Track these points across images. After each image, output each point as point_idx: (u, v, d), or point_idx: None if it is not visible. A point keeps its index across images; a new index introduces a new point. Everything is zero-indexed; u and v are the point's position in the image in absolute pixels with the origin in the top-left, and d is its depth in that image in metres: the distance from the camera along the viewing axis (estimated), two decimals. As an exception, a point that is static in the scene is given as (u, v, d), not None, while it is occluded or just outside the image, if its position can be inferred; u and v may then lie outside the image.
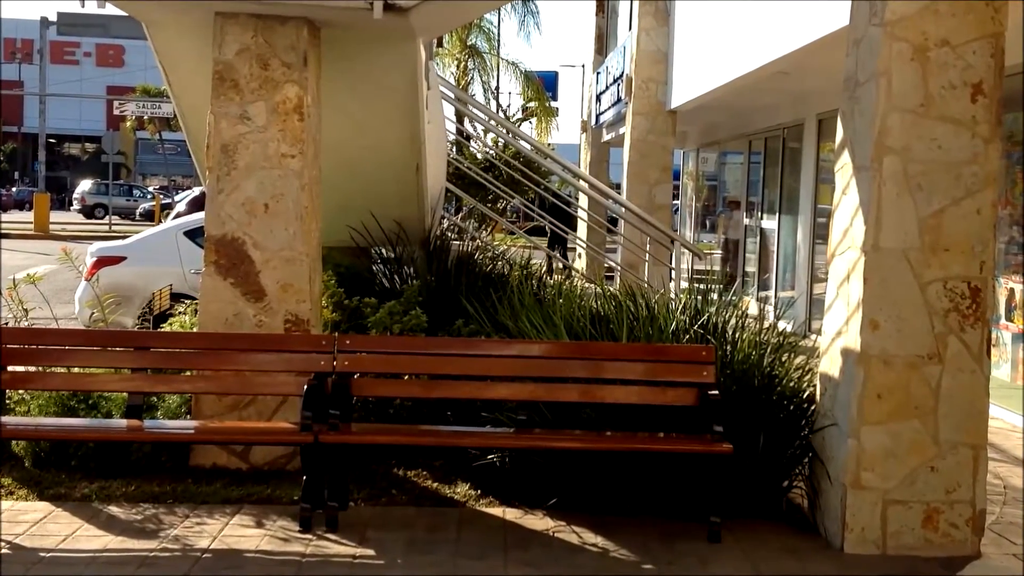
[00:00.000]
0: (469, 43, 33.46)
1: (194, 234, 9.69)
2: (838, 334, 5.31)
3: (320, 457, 5.28)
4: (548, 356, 5.76)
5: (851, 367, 5.13)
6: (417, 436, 5.88)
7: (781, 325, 6.41)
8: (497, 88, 36.71)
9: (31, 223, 32.81)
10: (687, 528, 5.32)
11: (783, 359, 5.95)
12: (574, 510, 5.54)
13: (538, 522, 5.45)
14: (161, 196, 42.82)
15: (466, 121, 19.39)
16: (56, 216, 38.09)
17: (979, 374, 5.09)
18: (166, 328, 7.55)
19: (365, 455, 6.12)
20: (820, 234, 12.55)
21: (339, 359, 5.62)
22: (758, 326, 6.20)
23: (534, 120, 34.93)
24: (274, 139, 6.11)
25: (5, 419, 5.60)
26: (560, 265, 13.19)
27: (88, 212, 44.52)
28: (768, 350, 5.94)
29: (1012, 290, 8.55)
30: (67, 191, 55.56)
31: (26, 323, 6.91)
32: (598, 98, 23.37)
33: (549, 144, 31.75)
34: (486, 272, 8.71)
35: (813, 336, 6.64)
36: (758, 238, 16.17)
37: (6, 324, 6.66)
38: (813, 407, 5.64)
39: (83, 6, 6.24)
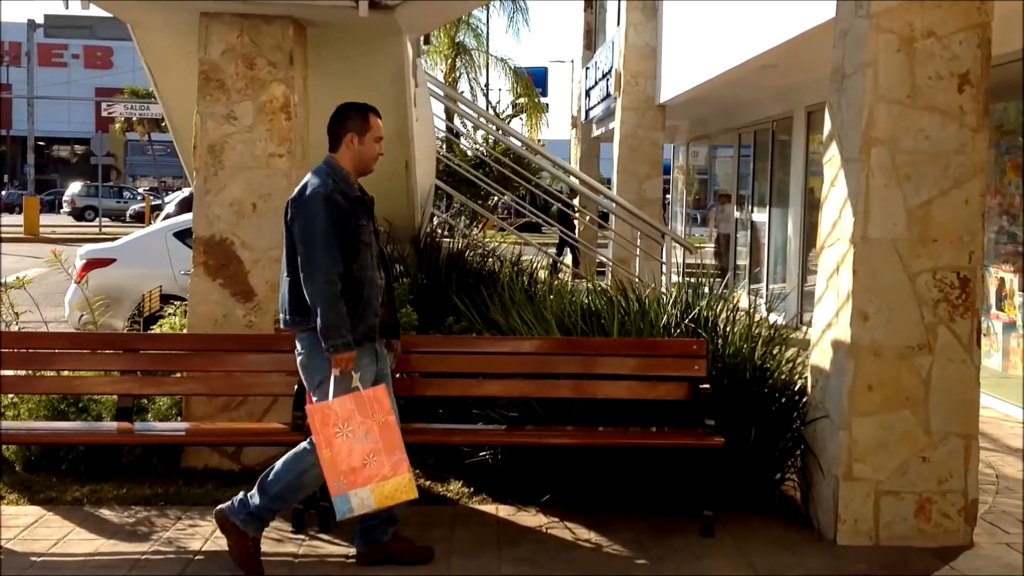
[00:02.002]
0: (457, 40, 33.38)
1: (184, 235, 9.65)
2: (828, 326, 5.32)
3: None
4: (539, 352, 5.75)
5: (842, 359, 5.13)
6: (408, 434, 5.78)
7: (772, 318, 6.41)
8: (487, 85, 36.63)
9: (21, 226, 32.70)
10: (680, 522, 5.32)
11: (774, 352, 5.95)
12: (567, 506, 5.54)
13: (531, 519, 5.44)
14: (151, 197, 42.73)
15: (456, 118, 19.37)
16: (46, 219, 37.99)
17: (969, 364, 5.10)
18: (156, 330, 7.53)
19: (357, 454, 6.10)
20: (811, 227, 12.56)
21: (329, 358, 5.59)
22: (749, 319, 6.20)
23: (524, 116, 34.88)
24: (261, 139, 6.10)
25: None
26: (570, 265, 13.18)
27: (78, 214, 44.40)
28: (759, 343, 5.94)
29: (1003, 280, 8.57)
30: (57, 192, 55.30)
31: (16, 327, 6.87)
32: (587, 93, 23.38)
33: (539, 140, 31.75)
34: (477, 269, 8.70)
35: (805, 328, 6.65)
36: (749, 231, 16.19)
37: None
38: (805, 399, 5.64)
39: (67, 7, 6.21)
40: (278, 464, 4.70)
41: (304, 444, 4.66)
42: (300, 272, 4.50)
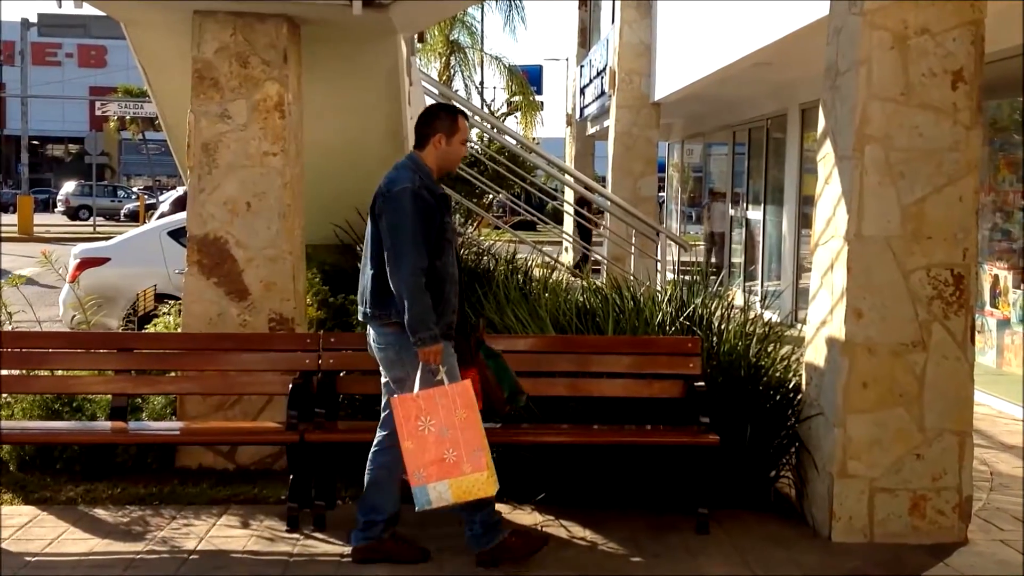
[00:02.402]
0: (452, 38, 33.36)
1: (178, 234, 9.64)
2: (823, 323, 5.32)
3: (306, 456, 5.26)
4: (534, 350, 5.75)
5: (836, 356, 5.13)
6: (404, 433, 5.85)
7: (767, 315, 6.41)
8: (481, 83, 36.63)
9: (15, 226, 32.63)
10: (675, 520, 5.32)
11: (769, 349, 5.95)
12: (563, 504, 5.53)
13: (527, 517, 5.44)
14: (145, 196, 42.64)
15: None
16: (40, 218, 37.90)
17: (963, 361, 5.10)
18: (150, 329, 7.52)
19: (352, 453, 6.09)
20: (805, 224, 12.57)
21: (324, 357, 5.60)
22: (744, 317, 6.21)
23: (519, 114, 34.86)
24: (255, 137, 6.09)
25: (-11, 423, 5.58)
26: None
27: (72, 214, 44.30)
28: (754, 341, 5.94)
29: (997, 276, 8.58)
30: (51, 192, 55.13)
31: (10, 326, 6.86)
32: (582, 91, 23.39)
33: (534, 138, 31.72)
34: (472, 267, 8.69)
35: (799, 326, 6.67)
36: (744, 229, 16.19)
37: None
38: (799, 397, 5.64)
39: (60, 6, 6.20)
40: None
41: None
42: (387, 265, 4.56)
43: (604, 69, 18.79)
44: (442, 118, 4.80)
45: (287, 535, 5.11)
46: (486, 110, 27.96)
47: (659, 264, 11.82)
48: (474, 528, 4.73)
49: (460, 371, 4.76)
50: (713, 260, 17.43)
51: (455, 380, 4.59)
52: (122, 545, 4.96)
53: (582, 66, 23.73)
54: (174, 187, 36.92)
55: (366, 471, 4.84)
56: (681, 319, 6.11)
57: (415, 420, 4.46)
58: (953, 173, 5.05)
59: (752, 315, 6.25)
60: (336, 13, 6.03)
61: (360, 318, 4.83)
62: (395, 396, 4.61)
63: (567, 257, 17.91)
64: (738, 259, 16.61)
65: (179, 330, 6.58)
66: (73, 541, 5.02)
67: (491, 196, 17.91)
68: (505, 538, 4.74)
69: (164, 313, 7.62)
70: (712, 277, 7.46)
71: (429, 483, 4.44)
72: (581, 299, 6.55)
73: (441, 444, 4.44)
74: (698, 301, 6.25)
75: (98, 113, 51.64)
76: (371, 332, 4.78)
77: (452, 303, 4.69)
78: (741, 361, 5.78)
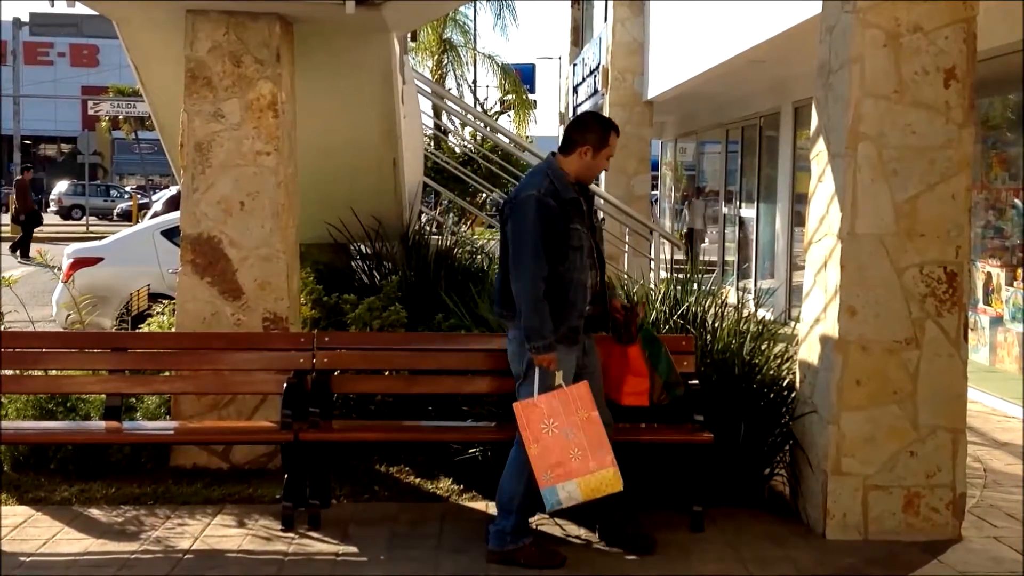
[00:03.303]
0: (444, 37, 33.32)
1: (171, 233, 9.63)
2: (816, 321, 5.33)
3: (301, 455, 5.26)
4: (528, 349, 5.74)
5: (829, 354, 5.15)
6: (398, 432, 5.86)
7: (761, 313, 6.42)
8: (474, 81, 36.56)
9: (7, 225, 32.48)
10: (669, 518, 5.33)
11: (763, 347, 5.96)
12: (557, 502, 5.53)
13: (521, 515, 5.43)
14: (138, 196, 42.53)
15: (443, 115, 19.36)
16: (32, 218, 37.73)
17: (956, 358, 5.11)
18: (144, 328, 7.51)
19: (347, 452, 6.11)
20: (799, 222, 12.58)
21: (318, 356, 5.59)
22: (738, 315, 6.21)
23: (512, 113, 34.84)
24: (248, 136, 6.08)
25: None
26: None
27: (65, 213, 44.17)
28: (748, 339, 5.95)
29: (989, 274, 8.60)
30: (43, 192, 54.96)
31: (2, 326, 6.85)
32: (575, 90, 23.38)
33: (527, 137, 31.72)
34: (465, 266, 8.69)
35: (793, 324, 6.68)
36: (736, 227, 16.20)
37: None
38: (793, 394, 5.65)
39: (52, 5, 6.19)
40: (503, 479, 4.80)
41: (514, 452, 4.78)
42: (509, 271, 4.65)
43: (597, 67, 18.80)
44: (594, 130, 4.80)
45: (282, 534, 5.11)
46: (479, 108, 27.96)
47: (652, 262, 11.82)
48: (505, 526, 4.75)
49: (619, 348, 4.91)
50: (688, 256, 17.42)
51: (574, 381, 4.68)
52: (116, 545, 4.96)
53: (575, 64, 23.73)
54: (167, 186, 36.84)
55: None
56: (675, 317, 6.12)
57: (539, 424, 4.57)
58: (946, 171, 5.06)
59: (746, 313, 6.26)
60: (329, 12, 6.03)
61: (494, 315, 5.00)
62: (516, 402, 4.68)
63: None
64: (731, 257, 16.62)
65: (173, 330, 6.57)
66: (68, 541, 5.01)
67: (485, 195, 17.89)
68: (525, 545, 4.76)
69: (158, 313, 7.61)
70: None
71: (558, 483, 4.54)
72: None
73: (566, 445, 4.55)
74: (692, 299, 6.26)
75: (90, 112, 51.50)
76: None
77: (578, 308, 4.70)
78: (735, 359, 5.79)
